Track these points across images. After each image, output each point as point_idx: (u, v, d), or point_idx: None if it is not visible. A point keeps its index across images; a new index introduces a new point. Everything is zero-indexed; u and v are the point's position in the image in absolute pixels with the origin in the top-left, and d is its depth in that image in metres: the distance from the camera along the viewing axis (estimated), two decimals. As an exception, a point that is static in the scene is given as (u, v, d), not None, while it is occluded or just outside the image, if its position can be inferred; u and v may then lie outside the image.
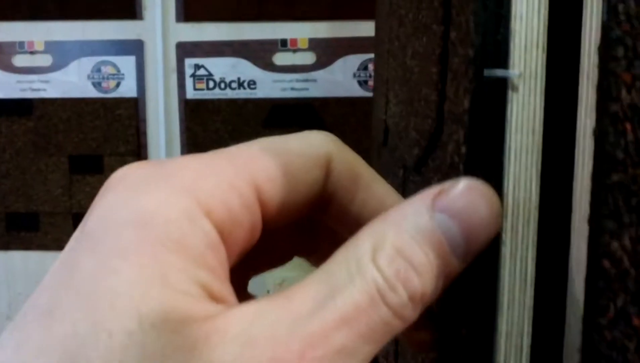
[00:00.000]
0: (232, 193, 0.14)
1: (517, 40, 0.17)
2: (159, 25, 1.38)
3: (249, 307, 0.14)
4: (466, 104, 0.18)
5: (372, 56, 1.41)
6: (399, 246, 0.14)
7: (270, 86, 1.38)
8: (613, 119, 0.14)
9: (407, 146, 0.33)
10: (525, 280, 0.18)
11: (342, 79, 1.38)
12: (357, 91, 1.37)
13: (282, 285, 1.32)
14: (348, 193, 0.17)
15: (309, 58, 1.41)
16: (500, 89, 0.17)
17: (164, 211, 0.13)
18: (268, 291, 1.31)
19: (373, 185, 0.18)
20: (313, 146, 0.16)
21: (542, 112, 0.17)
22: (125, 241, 0.13)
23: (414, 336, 0.18)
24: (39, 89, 1.40)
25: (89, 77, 1.40)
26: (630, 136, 0.14)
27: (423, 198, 0.15)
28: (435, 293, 0.15)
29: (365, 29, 1.37)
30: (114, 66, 1.39)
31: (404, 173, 0.38)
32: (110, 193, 0.15)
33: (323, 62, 1.39)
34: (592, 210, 0.15)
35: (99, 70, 1.39)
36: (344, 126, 1.37)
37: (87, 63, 1.40)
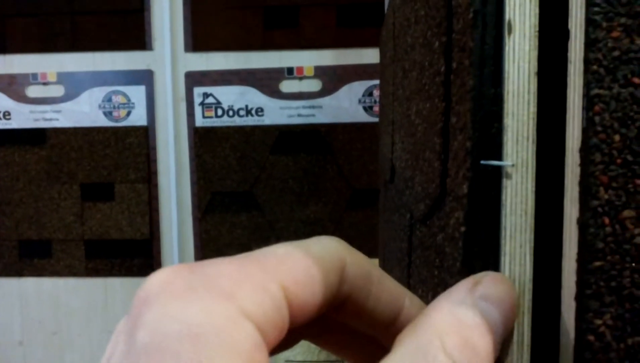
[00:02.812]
0: (266, 295, 0.15)
1: (509, 134, 0.19)
2: (168, 55, 1.42)
3: None
4: (465, 189, 0.20)
5: (376, 82, 1.44)
6: (465, 336, 0.16)
7: (277, 112, 1.41)
8: (593, 213, 0.16)
9: (413, 198, 0.35)
10: (522, 344, 0.20)
11: (347, 105, 1.41)
12: (363, 117, 1.40)
13: None
14: (362, 291, 0.19)
15: (314, 85, 1.44)
16: (496, 177, 0.19)
17: (213, 320, 0.14)
18: None
19: (384, 282, 0.20)
20: (330, 251, 0.18)
21: (534, 197, 0.19)
22: (185, 357, 0.14)
23: None
24: (51, 119, 1.44)
25: (100, 106, 1.43)
26: (608, 229, 0.16)
27: (461, 289, 0.18)
28: None
29: (369, 56, 1.41)
30: (125, 95, 1.43)
31: (410, 218, 0.40)
32: (156, 305, 0.15)
33: (329, 88, 1.42)
34: (578, 290, 0.17)
35: (109, 99, 1.43)
36: (350, 151, 1.39)
37: (98, 93, 1.44)
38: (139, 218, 1.42)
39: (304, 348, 1.37)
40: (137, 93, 1.43)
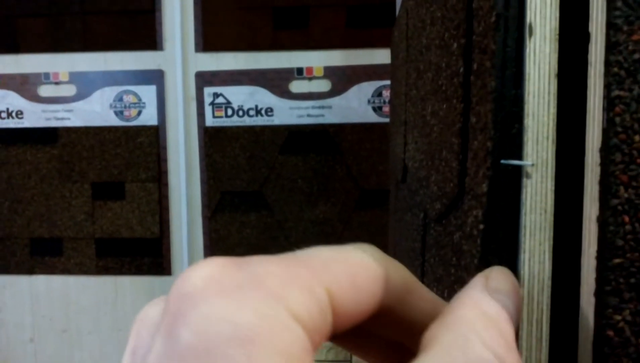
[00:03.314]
0: (313, 299, 0.15)
1: (529, 134, 0.20)
2: (178, 55, 1.43)
3: None
4: (485, 188, 0.20)
5: (386, 82, 1.44)
6: (498, 327, 0.16)
7: (287, 113, 1.42)
8: (613, 211, 0.17)
9: (428, 197, 0.36)
10: (541, 340, 0.21)
11: (356, 106, 1.41)
12: (372, 117, 1.40)
13: None
14: (401, 301, 0.18)
15: (324, 85, 1.45)
16: (516, 176, 0.20)
17: (265, 323, 0.14)
18: None
19: (421, 291, 0.19)
20: (372, 260, 0.17)
21: (553, 196, 0.20)
22: (237, 361, 0.13)
23: None
24: (63, 118, 1.45)
25: (111, 106, 1.45)
26: (628, 227, 0.17)
27: (477, 284, 0.18)
28: None
29: (379, 56, 1.41)
30: (136, 95, 1.44)
31: (424, 217, 0.40)
32: (203, 303, 0.14)
33: (338, 89, 1.43)
34: (597, 286, 0.18)
35: (120, 99, 1.44)
36: (359, 151, 1.40)
37: (109, 92, 1.45)
38: (149, 216, 1.43)
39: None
40: (147, 93, 1.45)
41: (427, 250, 0.38)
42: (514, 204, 0.20)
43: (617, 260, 0.17)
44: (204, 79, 1.43)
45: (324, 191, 1.41)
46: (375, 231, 1.41)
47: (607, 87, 0.17)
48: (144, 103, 1.44)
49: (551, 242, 0.20)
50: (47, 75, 1.46)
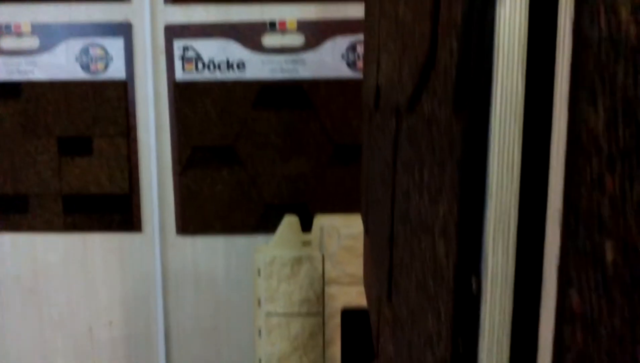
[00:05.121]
0: None
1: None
2: (147, 7, 1.38)
3: None
4: (459, 18, 0.19)
5: (360, 37, 1.43)
6: None
7: (259, 67, 1.39)
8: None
9: (400, 89, 0.35)
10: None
11: (330, 60, 1.39)
12: (346, 72, 1.39)
13: (272, 263, 1.34)
14: None
15: (297, 40, 1.42)
16: (491, 4, 0.19)
17: None
18: (259, 270, 1.34)
19: None
20: None
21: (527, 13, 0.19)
22: None
23: None
24: (26, 72, 1.40)
25: (77, 59, 1.40)
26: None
27: None
28: None
29: (354, 10, 1.39)
30: (102, 48, 1.39)
31: (397, 119, 0.40)
32: None
33: (312, 43, 1.40)
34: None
35: (87, 52, 1.39)
36: (332, 107, 1.38)
37: (74, 45, 1.40)
38: (118, 172, 1.40)
39: (284, 301, 1.38)
40: (115, 46, 1.40)
41: (399, 150, 0.38)
42: (489, 32, 0.19)
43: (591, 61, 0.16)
44: (174, 32, 1.39)
45: (297, 146, 1.40)
46: (349, 187, 1.41)
47: None
48: (111, 56, 1.40)
49: (525, 65, 0.19)
50: (8, 26, 1.40)
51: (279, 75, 1.39)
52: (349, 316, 0.71)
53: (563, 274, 0.16)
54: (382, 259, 0.46)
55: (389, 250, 0.38)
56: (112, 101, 1.39)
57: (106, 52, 1.40)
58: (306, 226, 1.35)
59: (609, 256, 0.15)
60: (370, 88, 0.65)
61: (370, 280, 0.68)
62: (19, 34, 1.40)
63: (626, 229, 0.14)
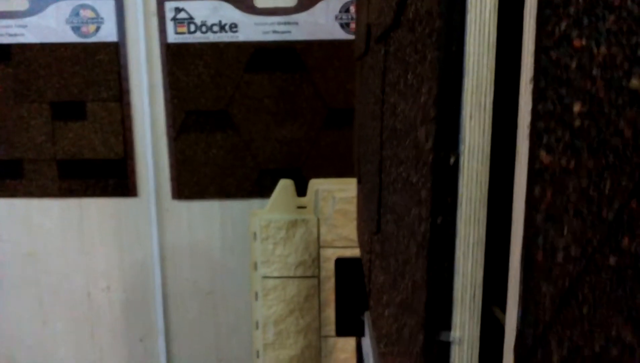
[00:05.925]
0: None
1: None
2: (137, -32, 1.36)
3: None
4: None
5: (353, -2, 1.41)
6: None
7: (252, 29, 1.38)
8: None
9: (388, 8, 0.35)
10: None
11: (324, 22, 1.38)
12: (339, 34, 1.37)
13: (268, 227, 1.35)
14: None
15: (290, 0, 1.40)
16: None
17: None
18: (255, 234, 1.34)
19: None
20: None
21: None
22: None
23: None
24: (16, 34, 1.38)
25: (67, 21, 1.38)
26: None
27: None
28: None
29: (346, -30, 1.37)
30: (93, 9, 1.38)
31: (385, 43, 0.40)
32: None
33: (305, 4, 1.38)
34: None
35: (77, 14, 1.38)
36: (326, 69, 1.37)
37: (65, 7, 1.38)
38: (112, 137, 1.40)
39: (280, 265, 1.39)
40: (106, 7, 1.38)
41: (387, 74, 0.38)
42: None
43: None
44: (165, -7, 1.37)
45: (290, 110, 1.39)
46: (343, 151, 1.41)
47: None
48: (102, 18, 1.38)
49: (495, 18, 0.19)
50: (-4, -11, 1.38)
51: (271, 37, 1.38)
52: (343, 264, 0.72)
53: (534, 134, 0.16)
54: (372, 194, 0.47)
55: (378, 177, 0.38)
56: (104, 64, 1.38)
57: (97, 14, 1.38)
58: (300, 190, 1.36)
59: (576, 111, 0.15)
60: (361, 35, 0.64)
61: (361, 227, 0.69)
62: (8, -3, 1.38)
63: (592, 87, 0.15)
